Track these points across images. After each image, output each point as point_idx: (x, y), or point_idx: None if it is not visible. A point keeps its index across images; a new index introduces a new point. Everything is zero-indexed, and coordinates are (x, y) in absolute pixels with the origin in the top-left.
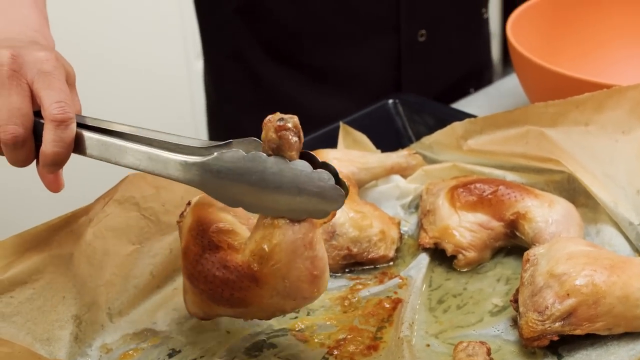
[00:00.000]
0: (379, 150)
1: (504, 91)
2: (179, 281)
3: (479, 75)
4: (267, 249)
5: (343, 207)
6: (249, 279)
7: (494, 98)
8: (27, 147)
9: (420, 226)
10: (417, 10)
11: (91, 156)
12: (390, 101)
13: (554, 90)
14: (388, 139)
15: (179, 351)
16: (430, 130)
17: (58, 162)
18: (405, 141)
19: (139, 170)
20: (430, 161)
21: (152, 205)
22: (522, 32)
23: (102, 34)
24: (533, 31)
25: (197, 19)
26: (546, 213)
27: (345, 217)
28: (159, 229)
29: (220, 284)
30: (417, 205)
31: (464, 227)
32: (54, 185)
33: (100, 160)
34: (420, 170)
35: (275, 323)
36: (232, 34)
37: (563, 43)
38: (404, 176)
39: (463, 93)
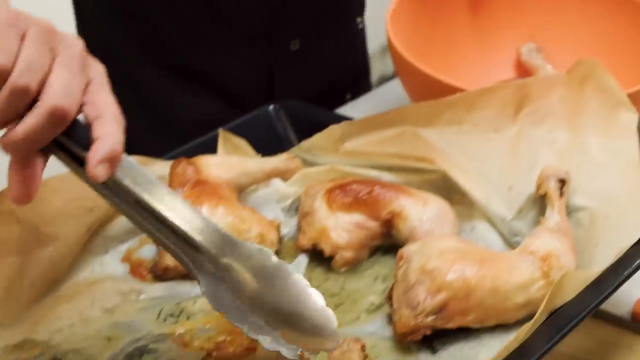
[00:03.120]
0: (260, 155)
1: (389, 95)
2: (61, 290)
3: (355, 84)
4: None
5: (222, 211)
6: None
7: (378, 103)
8: None
9: (299, 228)
10: (289, 20)
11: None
12: (271, 107)
13: (430, 92)
14: (269, 144)
15: (61, 359)
16: (312, 134)
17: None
18: (287, 146)
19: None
20: (309, 164)
21: (31, 216)
22: (401, 28)
23: None
24: (412, 26)
25: (75, 17)
26: (420, 211)
27: (223, 221)
28: (38, 239)
29: None
30: (296, 208)
31: (341, 228)
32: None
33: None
34: (299, 174)
35: (156, 328)
36: (110, 35)
37: (441, 37)
38: (284, 180)
39: (339, 101)
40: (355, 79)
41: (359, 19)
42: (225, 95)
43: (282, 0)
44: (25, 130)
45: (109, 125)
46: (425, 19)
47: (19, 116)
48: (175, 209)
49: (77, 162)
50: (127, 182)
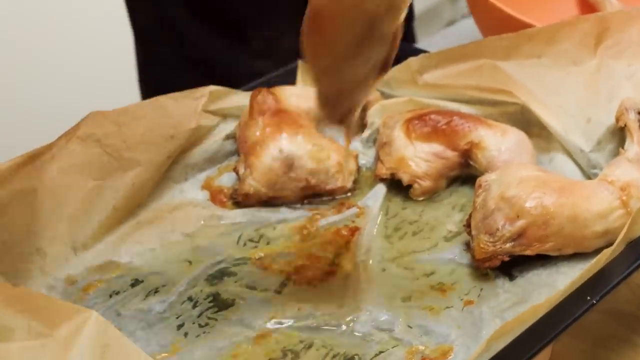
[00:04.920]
0: None
1: (463, 33)
2: (142, 215)
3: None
4: None
5: (301, 139)
6: None
7: (452, 40)
8: None
9: (377, 158)
10: None
11: None
12: None
13: (502, 27)
14: None
15: (142, 281)
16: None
17: None
18: None
19: None
20: (387, 97)
21: (114, 142)
22: None
23: None
24: None
25: None
26: (499, 141)
27: (303, 149)
28: (120, 165)
29: None
30: (375, 139)
31: (420, 157)
32: None
33: None
34: (378, 105)
35: (236, 252)
36: None
37: None
38: (363, 111)
39: None
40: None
41: None
42: (278, 54)
43: None
44: None
45: None
46: None
47: None
48: None
49: None
50: None
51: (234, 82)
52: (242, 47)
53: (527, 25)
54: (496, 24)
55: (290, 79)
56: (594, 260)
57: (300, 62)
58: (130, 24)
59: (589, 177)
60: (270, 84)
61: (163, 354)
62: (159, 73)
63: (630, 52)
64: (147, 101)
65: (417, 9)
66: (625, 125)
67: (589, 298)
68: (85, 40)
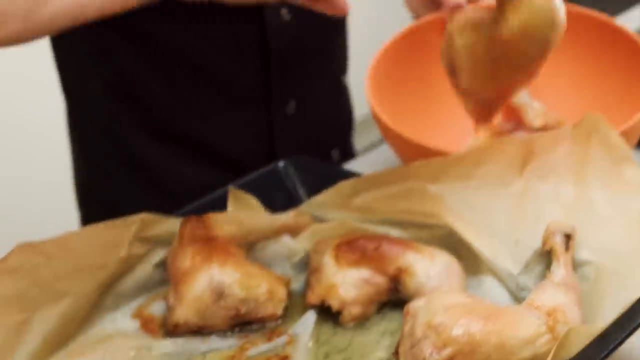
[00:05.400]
0: (269, 212)
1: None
2: (72, 346)
3: (343, 140)
4: None
5: (230, 268)
6: None
7: (387, 156)
8: None
9: (308, 284)
10: (285, 82)
11: None
12: (281, 163)
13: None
14: (279, 201)
15: None
16: (321, 190)
17: None
18: (296, 202)
19: None
20: (319, 220)
21: (43, 273)
22: (381, 89)
23: None
24: (392, 85)
25: (64, 94)
26: (427, 267)
27: (232, 278)
28: (50, 296)
29: None
30: (306, 263)
31: (349, 284)
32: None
33: None
34: (309, 230)
35: None
36: (103, 108)
37: (423, 88)
38: (294, 236)
39: (327, 158)
40: (343, 136)
41: (343, 76)
42: (224, 162)
43: (276, 62)
44: None
45: None
46: (405, 73)
47: None
48: None
49: None
50: None
51: (187, 194)
52: (193, 160)
53: (438, 152)
54: (408, 152)
55: (221, 206)
56: None
57: (230, 188)
58: (72, 139)
59: (518, 299)
60: (201, 211)
61: None
62: (106, 190)
63: (557, 174)
64: (77, 231)
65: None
66: (551, 248)
67: None
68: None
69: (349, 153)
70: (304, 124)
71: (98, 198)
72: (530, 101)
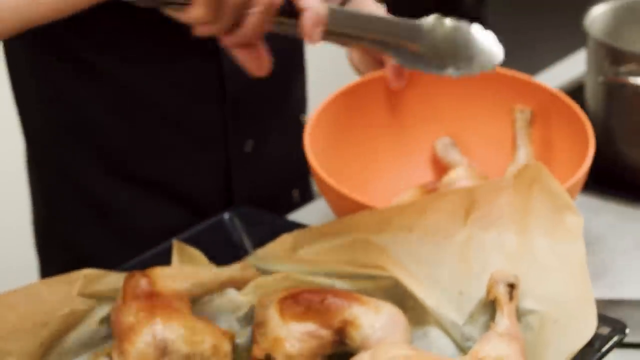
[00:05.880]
0: (215, 264)
1: None
2: None
3: (304, 181)
4: None
5: (175, 323)
6: None
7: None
8: None
9: (253, 338)
10: (242, 122)
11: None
12: (226, 215)
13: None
14: (225, 252)
15: None
16: (267, 241)
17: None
18: (243, 253)
19: None
20: (264, 272)
21: None
22: (319, 144)
23: None
24: (329, 140)
25: (23, 133)
26: (372, 319)
27: (176, 333)
28: None
29: None
30: (251, 317)
31: (294, 338)
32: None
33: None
34: (253, 283)
35: None
36: (61, 147)
37: (360, 144)
38: (239, 289)
39: (288, 199)
40: (303, 176)
41: (302, 115)
42: (183, 201)
43: (233, 102)
44: (252, 27)
45: None
46: (342, 129)
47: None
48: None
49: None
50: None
51: (141, 237)
52: (150, 200)
53: (370, 208)
54: (342, 207)
55: (166, 258)
56: None
57: (175, 242)
58: (30, 179)
59: (463, 350)
60: (146, 264)
61: None
62: (65, 230)
63: (500, 223)
64: (19, 289)
65: None
66: (495, 298)
67: None
68: None
69: (308, 194)
70: (263, 164)
71: (56, 238)
72: (460, 158)
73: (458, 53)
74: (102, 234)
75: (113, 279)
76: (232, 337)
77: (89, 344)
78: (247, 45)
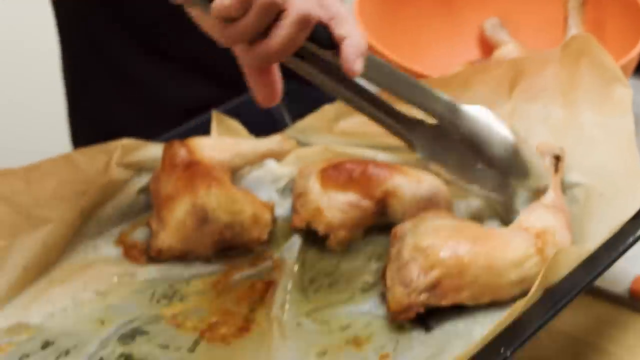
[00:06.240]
0: (253, 137)
1: None
2: (54, 274)
3: None
4: None
5: (214, 192)
6: None
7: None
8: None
9: (293, 208)
10: None
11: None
12: None
13: None
14: (264, 125)
15: (52, 343)
16: (306, 115)
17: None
18: (281, 127)
19: None
20: (304, 145)
21: (23, 199)
22: (368, 15)
23: None
24: (379, 12)
25: (53, 6)
26: (414, 190)
27: (216, 202)
28: (31, 223)
29: None
30: (291, 188)
31: (335, 207)
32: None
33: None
34: (293, 154)
35: (149, 310)
36: (92, 22)
37: (408, 19)
38: (278, 161)
39: None
40: None
41: None
42: (216, 78)
43: None
44: (279, 41)
45: (347, 24)
46: (392, 7)
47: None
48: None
49: (319, 62)
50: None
51: (176, 113)
52: (184, 77)
53: (422, 75)
54: None
55: (204, 130)
56: (509, 310)
57: (214, 113)
58: (62, 54)
59: (506, 222)
60: (185, 136)
61: None
62: (94, 107)
63: (545, 95)
64: (58, 156)
65: None
66: None
67: (502, 350)
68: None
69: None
70: None
71: (86, 114)
72: (508, 38)
73: None
74: (135, 110)
75: (151, 150)
76: (272, 208)
77: (127, 213)
78: (264, 64)
